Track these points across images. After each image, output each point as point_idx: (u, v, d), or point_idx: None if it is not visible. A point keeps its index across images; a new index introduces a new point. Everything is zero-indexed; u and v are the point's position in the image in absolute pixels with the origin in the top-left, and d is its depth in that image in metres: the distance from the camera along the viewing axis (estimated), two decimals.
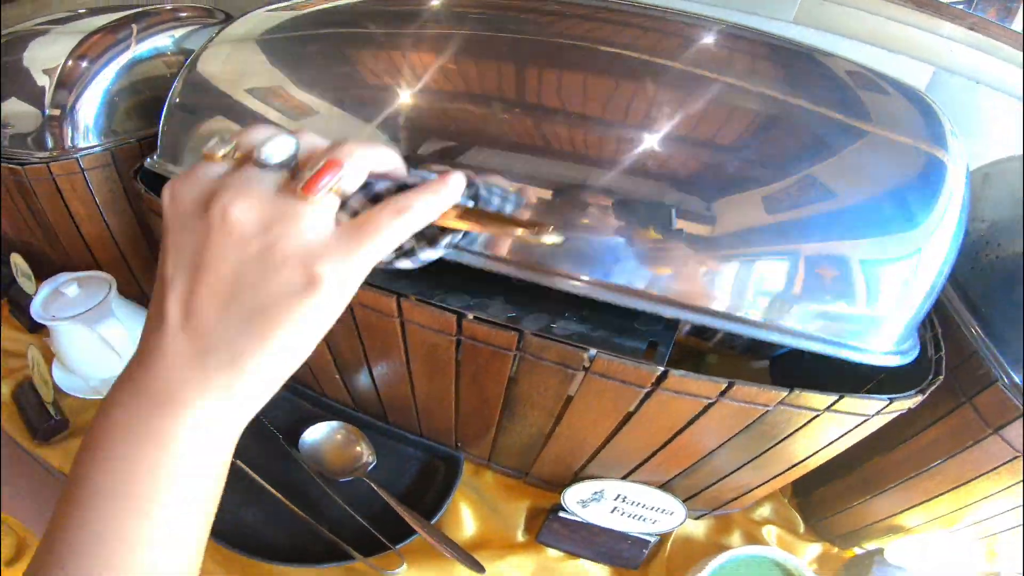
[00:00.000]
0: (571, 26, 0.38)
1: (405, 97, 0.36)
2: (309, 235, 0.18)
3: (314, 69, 0.40)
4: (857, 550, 0.55)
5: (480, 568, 0.48)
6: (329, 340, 0.46)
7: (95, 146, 0.60)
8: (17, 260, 0.68)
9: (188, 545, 0.20)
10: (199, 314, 0.18)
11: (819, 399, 0.34)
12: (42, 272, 0.68)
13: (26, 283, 0.69)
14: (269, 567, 0.49)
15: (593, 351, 0.33)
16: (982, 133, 0.46)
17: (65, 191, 0.60)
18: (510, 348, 0.35)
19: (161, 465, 0.18)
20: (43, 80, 0.62)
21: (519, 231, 0.24)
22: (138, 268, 0.69)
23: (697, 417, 0.36)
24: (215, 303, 0.18)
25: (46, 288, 0.61)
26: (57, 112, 0.60)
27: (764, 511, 0.57)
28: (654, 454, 0.42)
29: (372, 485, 0.52)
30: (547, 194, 0.32)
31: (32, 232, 0.66)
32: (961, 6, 0.44)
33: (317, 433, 0.55)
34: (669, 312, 0.31)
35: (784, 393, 0.33)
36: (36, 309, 0.59)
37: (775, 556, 0.50)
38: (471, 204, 0.27)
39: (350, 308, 0.39)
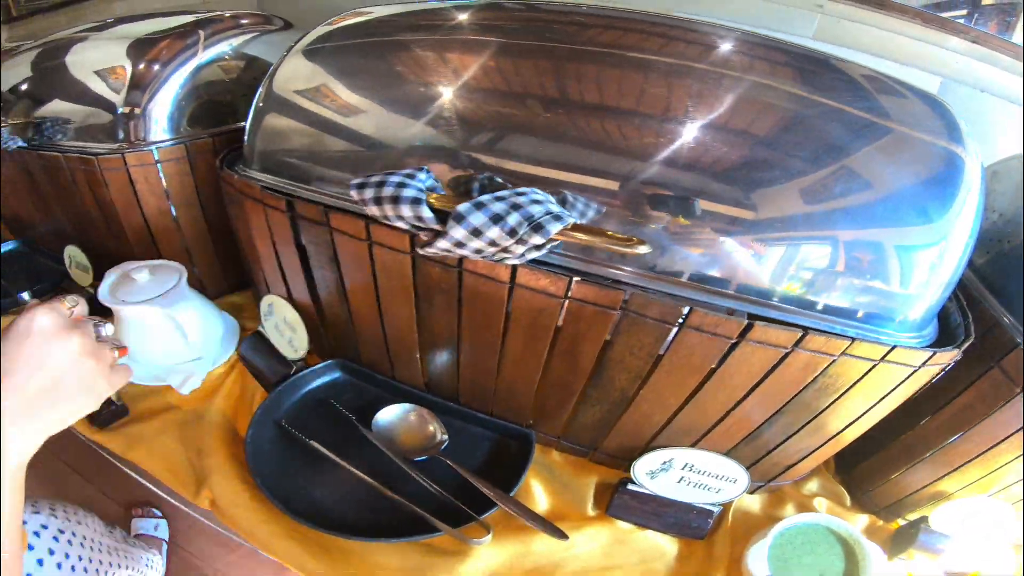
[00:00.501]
0: (642, 41, 0.48)
1: (470, 103, 0.44)
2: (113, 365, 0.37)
3: (388, 79, 0.48)
4: (901, 521, 0.63)
5: (563, 535, 0.53)
6: (423, 317, 0.52)
7: (170, 140, 0.67)
8: (73, 252, 0.73)
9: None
10: (42, 386, 0.32)
11: (876, 349, 0.42)
12: (98, 265, 0.73)
13: (80, 275, 0.73)
14: (346, 544, 0.54)
15: (687, 307, 0.41)
16: (987, 136, 0.57)
17: (137, 181, 0.66)
18: (615, 307, 0.42)
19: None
20: (94, 79, 0.70)
21: (616, 244, 0.33)
22: (200, 261, 0.75)
23: (773, 369, 0.44)
24: (45, 383, 0.32)
25: (112, 275, 0.66)
26: (129, 109, 0.67)
27: (812, 486, 0.65)
28: (727, 414, 0.50)
29: (448, 462, 0.57)
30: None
31: (92, 224, 0.72)
32: (963, 21, 0.56)
33: (390, 414, 0.61)
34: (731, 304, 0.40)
35: (847, 342, 0.42)
36: (104, 294, 0.64)
37: (830, 524, 0.57)
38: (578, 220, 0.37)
39: (459, 279, 0.46)
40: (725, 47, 0.46)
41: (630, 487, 0.57)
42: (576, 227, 0.37)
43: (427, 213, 0.38)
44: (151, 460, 0.62)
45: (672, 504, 0.58)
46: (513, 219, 0.37)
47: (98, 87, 0.68)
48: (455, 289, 0.47)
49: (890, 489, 0.62)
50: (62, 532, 0.60)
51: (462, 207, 0.37)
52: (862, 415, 0.50)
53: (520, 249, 0.38)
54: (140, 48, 0.69)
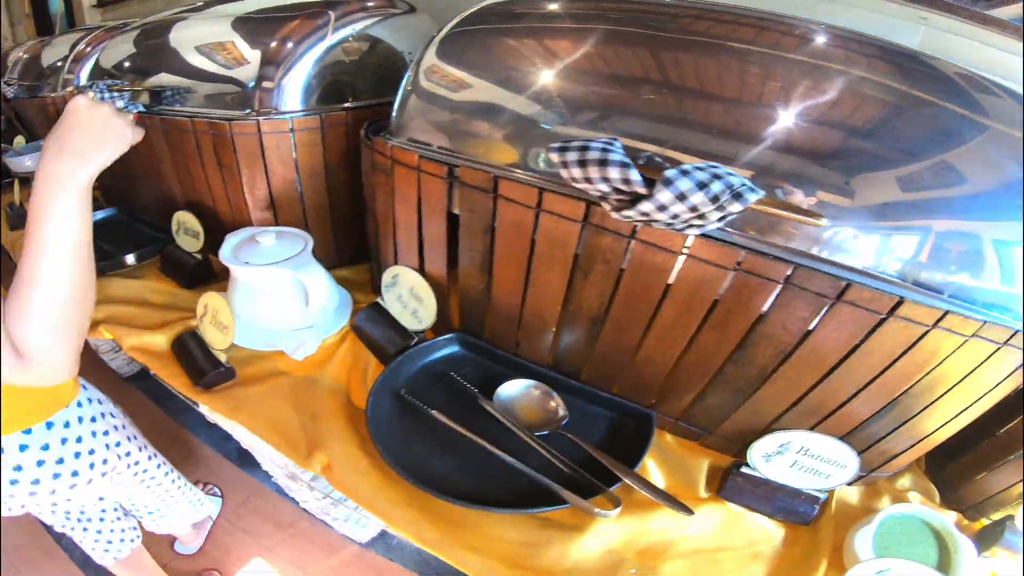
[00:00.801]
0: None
1: (623, 90, 0.50)
2: (127, 121, 0.54)
3: (551, 59, 0.54)
4: (986, 520, 0.68)
5: (689, 511, 0.57)
6: (574, 289, 0.57)
7: (304, 111, 0.71)
8: (184, 218, 0.76)
9: (68, 270, 0.45)
10: (81, 139, 0.49)
11: (1003, 332, 0.49)
12: (208, 232, 0.76)
13: (189, 240, 0.76)
14: (463, 515, 0.56)
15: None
16: None
17: (268, 149, 0.70)
18: (779, 279, 0.48)
19: (52, 211, 0.45)
20: (196, 56, 0.75)
21: (802, 216, 0.40)
22: (316, 233, 0.78)
23: (909, 348, 0.50)
24: (85, 137, 0.49)
25: (234, 239, 0.69)
26: (264, 80, 0.72)
27: (905, 481, 0.70)
28: (855, 395, 0.55)
29: (571, 436, 0.61)
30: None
31: (209, 191, 0.75)
32: None
33: (513, 388, 0.64)
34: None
35: (979, 324, 0.48)
36: (227, 256, 0.67)
37: (926, 516, 0.62)
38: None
39: (626, 245, 0.51)
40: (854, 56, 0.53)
41: (743, 470, 0.62)
42: (767, 200, 0.43)
43: (636, 176, 0.44)
44: (255, 421, 0.64)
45: (782, 488, 0.62)
46: (716, 187, 0.42)
47: (227, 58, 0.73)
48: (619, 259, 0.52)
49: (978, 487, 0.67)
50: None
51: (670, 172, 0.43)
52: (976, 401, 0.56)
53: (715, 216, 0.44)
54: (275, 24, 0.74)
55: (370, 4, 0.81)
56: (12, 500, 0.66)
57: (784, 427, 0.60)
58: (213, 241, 0.69)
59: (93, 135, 0.50)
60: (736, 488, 0.62)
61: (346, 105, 0.74)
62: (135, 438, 0.80)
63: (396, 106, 0.62)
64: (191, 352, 0.68)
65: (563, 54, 0.53)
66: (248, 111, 0.70)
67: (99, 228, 1.01)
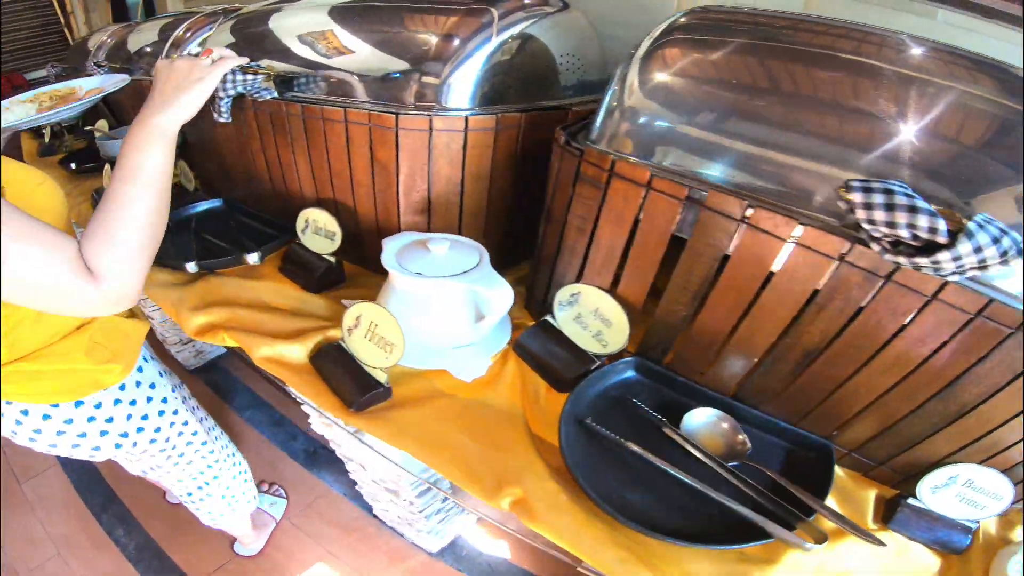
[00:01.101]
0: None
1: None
2: (201, 65, 0.62)
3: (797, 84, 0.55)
4: None
5: (880, 543, 0.60)
6: (799, 323, 0.57)
7: (482, 109, 0.67)
8: (315, 215, 0.68)
9: (160, 163, 0.56)
10: (164, 90, 0.60)
11: None
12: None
13: (320, 241, 0.69)
14: (660, 550, 0.55)
15: None
16: None
17: (437, 147, 0.65)
18: (1012, 327, 0.52)
19: (151, 133, 0.56)
20: (298, 44, 0.70)
21: None
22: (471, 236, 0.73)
23: None
24: (170, 87, 0.60)
25: (394, 243, 0.63)
26: (432, 75, 0.66)
27: None
28: None
29: (760, 468, 0.62)
30: None
31: (350, 188, 0.68)
32: None
33: (698, 418, 0.64)
34: None
35: None
36: (391, 263, 0.61)
37: None
38: None
39: (880, 285, 0.52)
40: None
41: (911, 501, 0.66)
42: None
43: (942, 226, 0.45)
44: (426, 450, 0.60)
45: (941, 519, 0.67)
46: (1006, 242, 0.45)
47: (388, 48, 0.67)
48: (863, 297, 0.54)
49: None
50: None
51: (972, 224, 0.45)
52: None
53: (996, 271, 0.46)
54: (439, 16, 0.69)
55: (527, 1, 0.78)
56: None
57: (954, 460, 0.65)
58: (348, 244, 0.63)
59: (174, 84, 0.60)
60: (904, 520, 0.65)
61: (521, 106, 0.70)
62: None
63: (603, 113, 0.60)
64: (339, 368, 0.62)
65: (838, 81, 0.53)
66: (416, 105, 0.64)
67: (203, 220, 0.99)
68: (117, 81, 1.04)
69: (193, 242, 0.94)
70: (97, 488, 1.37)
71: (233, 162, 0.91)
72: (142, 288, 0.54)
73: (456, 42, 0.67)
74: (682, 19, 0.62)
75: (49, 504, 1.34)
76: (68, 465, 1.44)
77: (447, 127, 0.64)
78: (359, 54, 0.67)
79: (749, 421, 0.67)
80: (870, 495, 0.68)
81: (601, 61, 0.80)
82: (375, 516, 1.22)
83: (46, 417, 0.65)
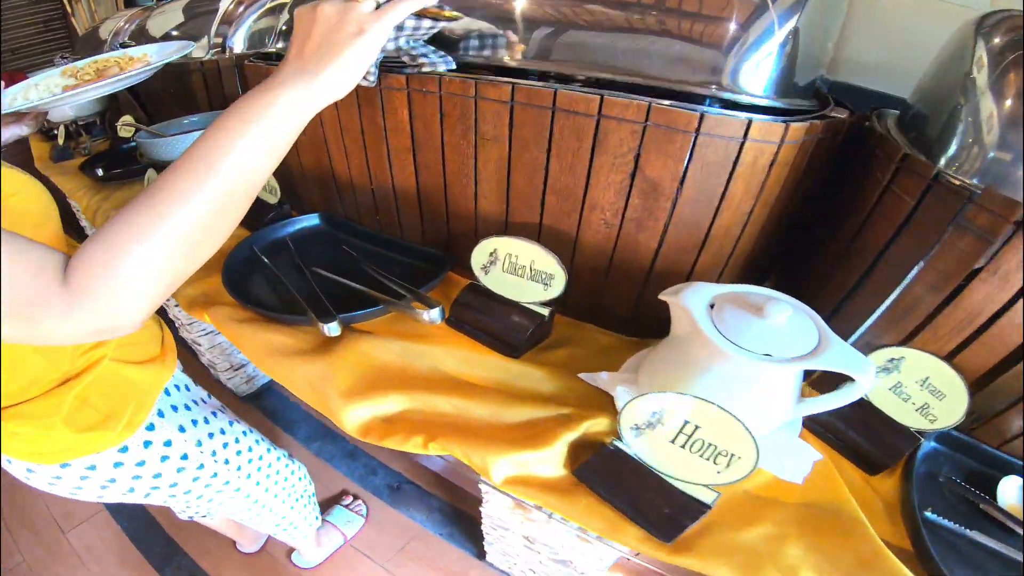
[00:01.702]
0: None
1: None
2: (360, 11, 0.42)
3: None
4: None
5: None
6: None
7: (803, 115, 0.51)
8: (514, 248, 0.54)
9: (259, 161, 0.39)
10: (302, 52, 0.42)
11: None
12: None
13: (523, 286, 0.53)
14: None
15: None
16: None
17: (744, 163, 0.50)
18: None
19: (262, 115, 0.39)
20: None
21: None
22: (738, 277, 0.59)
23: None
24: (311, 46, 0.42)
25: (696, 296, 0.48)
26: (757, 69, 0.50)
27: None
28: None
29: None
30: None
31: (565, 213, 0.52)
32: None
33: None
34: None
35: None
36: (712, 331, 0.47)
37: None
38: None
39: None
40: None
41: None
42: None
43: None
44: None
45: None
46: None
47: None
48: None
49: None
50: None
51: None
52: None
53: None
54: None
55: None
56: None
57: None
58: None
59: (315, 43, 0.42)
60: None
61: (840, 116, 0.53)
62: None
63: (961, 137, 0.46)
64: (632, 483, 0.48)
65: None
66: (723, 102, 0.48)
67: (300, 243, 0.81)
68: (181, 47, 0.78)
69: (309, 282, 0.72)
70: (155, 537, 1.22)
71: (338, 161, 0.73)
72: (146, 317, 0.38)
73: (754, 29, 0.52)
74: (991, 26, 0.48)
75: (98, 555, 1.18)
76: (118, 511, 1.27)
77: (763, 136, 0.49)
78: (635, 17, 0.49)
79: None
80: None
81: None
82: (482, 559, 1.11)
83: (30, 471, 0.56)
